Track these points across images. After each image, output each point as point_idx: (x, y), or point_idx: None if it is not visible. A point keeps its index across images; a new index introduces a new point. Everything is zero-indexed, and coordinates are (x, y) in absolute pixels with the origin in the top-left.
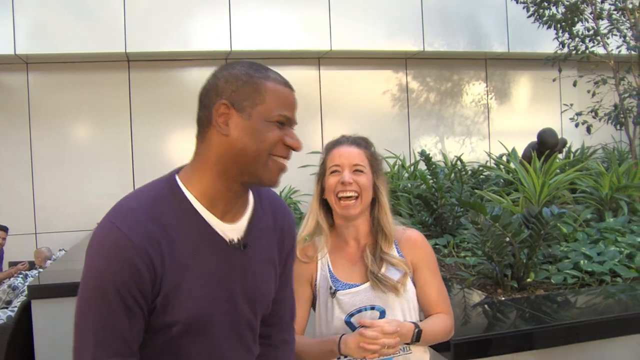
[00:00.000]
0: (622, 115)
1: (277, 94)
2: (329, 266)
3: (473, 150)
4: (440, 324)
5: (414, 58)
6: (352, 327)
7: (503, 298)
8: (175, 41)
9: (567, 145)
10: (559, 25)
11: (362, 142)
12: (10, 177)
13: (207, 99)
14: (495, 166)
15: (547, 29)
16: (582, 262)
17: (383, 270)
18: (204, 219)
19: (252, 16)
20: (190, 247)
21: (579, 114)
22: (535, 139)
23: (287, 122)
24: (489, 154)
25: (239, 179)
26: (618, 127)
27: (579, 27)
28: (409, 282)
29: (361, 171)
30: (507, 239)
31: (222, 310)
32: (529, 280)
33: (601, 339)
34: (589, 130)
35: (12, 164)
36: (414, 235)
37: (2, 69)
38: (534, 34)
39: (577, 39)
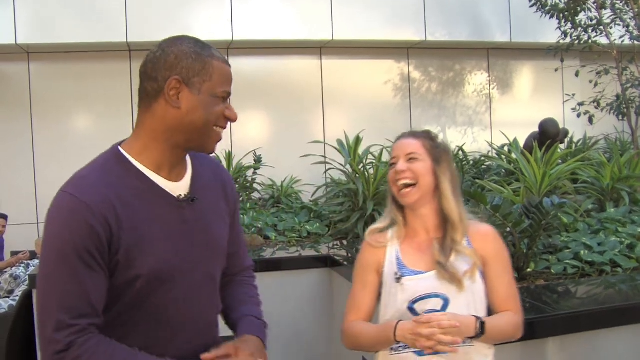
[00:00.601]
0: (624, 106)
1: (221, 72)
2: (397, 253)
3: (475, 141)
4: (507, 322)
5: (415, 48)
6: (415, 313)
7: None
8: (177, 31)
9: (569, 135)
10: (561, 15)
11: (420, 134)
12: (12, 166)
13: (156, 72)
14: (496, 156)
15: (550, 18)
16: (582, 252)
17: (452, 259)
18: (152, 180)
19: (253, 6)
20: (143, 205)
21: (581, 104)
22: (537, 129)
23: (227, 97)
24: (491, 144)
25: (184, 146)
26: (620, 117)
27: (581, 17)
28: (478, 276)
29: (416, 159)
30: (508, 229)
31: (181, 261)
32: (529, 270)
33: (601, 328)
34: (590, 120)
35: (14, 154)
36: (486, 228)
37: (3, 59)
38: (536, 24)
39: (579, 29)
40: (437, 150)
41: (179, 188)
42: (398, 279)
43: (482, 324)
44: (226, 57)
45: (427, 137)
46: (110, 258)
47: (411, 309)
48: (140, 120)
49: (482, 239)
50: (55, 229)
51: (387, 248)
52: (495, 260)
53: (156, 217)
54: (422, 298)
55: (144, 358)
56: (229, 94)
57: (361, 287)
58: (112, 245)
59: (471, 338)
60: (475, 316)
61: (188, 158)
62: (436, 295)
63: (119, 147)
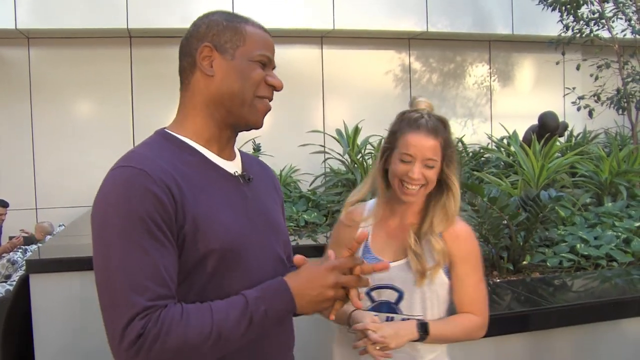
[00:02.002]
0: (624, 100)
1: (257, 36)
2: (368, 235)
3: (475, 132)
4: (461, 324)
5: (417, 38)
6: (372, 300)
7: (498, 280)
8: (178, 17)
9: (569, 129)
10: (563, 8)
11: (440, 130)
12: (12, 152)
13: (189, 46)
14: (496, 149)
15: (552, 11)
16: (578, 245)
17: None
18: (203, 154)
19: None
20: (200, 177)
21: (581, 97)
22: (537, 122)
23: (268, 63)
24: (490, 137)
25: (227, 121)
26: (620, 111)
27: (584, 10)
28: (441, 275)
29: (432, 166)
30: (504, 222)
31: (251, 237)
32: (524, 262)
33: (597, 322)
34: (590, 114)
35: (13, 139)
36: (460, 228)
37: (3, 44)
38: (538, 16)
39: (581, 22)
40: (450, 149)
41: (233, 166)
42: None
43: (425, 326)
44: (262, 25)
45: (444, 133)
46: (178, 231)
47: (369, 295)
48: (181, 101)
49: (454, 238)
50: (113, 203)
51: (359, 228)
52: (462, 261)
53: (216, 189)
54: (378, 287)
55: (217, 306)
56: (270, 59)
57: None
58: (178, 216)
59: (416, 341)
60: (418, 319)
61: (236, 149)
62: (392, 287)
63: (164, 129)
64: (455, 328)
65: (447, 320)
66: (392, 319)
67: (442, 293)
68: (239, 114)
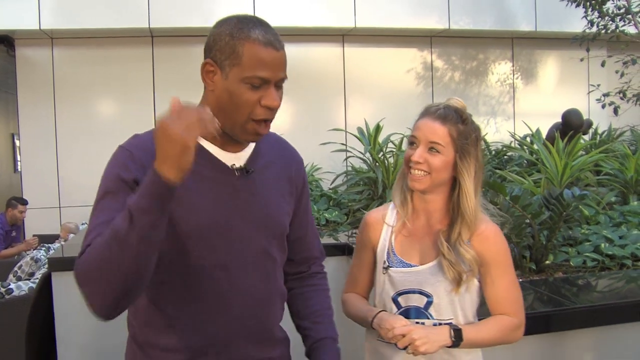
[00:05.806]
0: None
1: (254, 55)
2: (392, 237)
3: (497, 131)
4: (496, 326)
5: (439, 36)
6: (399, 306)
7: (521, 280)
8: (199, 17)
9: (593, 126)
10: (588, 4)
11: (451, 117)
12: (35, 151)
13: (203, 53)
14: (518, 147)
15: (576, 7)
16: (603, 245)
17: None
18: (203, 146)
19: None
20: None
21: (606, 94)
22: (560, 120)
23: (262, 84)
24: (513, 135)
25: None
26: None
27: (609, 5)
28: (472, 281)
29: (437, 151)
30: (527, 220)
31: (227, 224)
32: (547, 262)
33: (622, 323)
34: (616, 111)
35: (37, 139)
36: (488, 230)
37: (28, 44)
38: (562, 13)
39: (606, 18)
40: (464, 141)
41: (235, 159)
42: (385, 269)
43: (459, 332)
44: (269, 38)
45: (458, 122)
46: None
47: (395, 301)
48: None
49: (482, 240)
50: (103, 174)
51: (384, 228)
52: (493, 263)
53: (204, 178)
54: (406, 292)
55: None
56: (265, 80)
57: (358, 263)
58: None
59: (450, 347)
60: (451, 325)
61: None
62: (420, 292)
63: None
64: (490, 331)
65: (481, 324)
66: (422, 325)
67: (471, 295)
68: (230, 129)
